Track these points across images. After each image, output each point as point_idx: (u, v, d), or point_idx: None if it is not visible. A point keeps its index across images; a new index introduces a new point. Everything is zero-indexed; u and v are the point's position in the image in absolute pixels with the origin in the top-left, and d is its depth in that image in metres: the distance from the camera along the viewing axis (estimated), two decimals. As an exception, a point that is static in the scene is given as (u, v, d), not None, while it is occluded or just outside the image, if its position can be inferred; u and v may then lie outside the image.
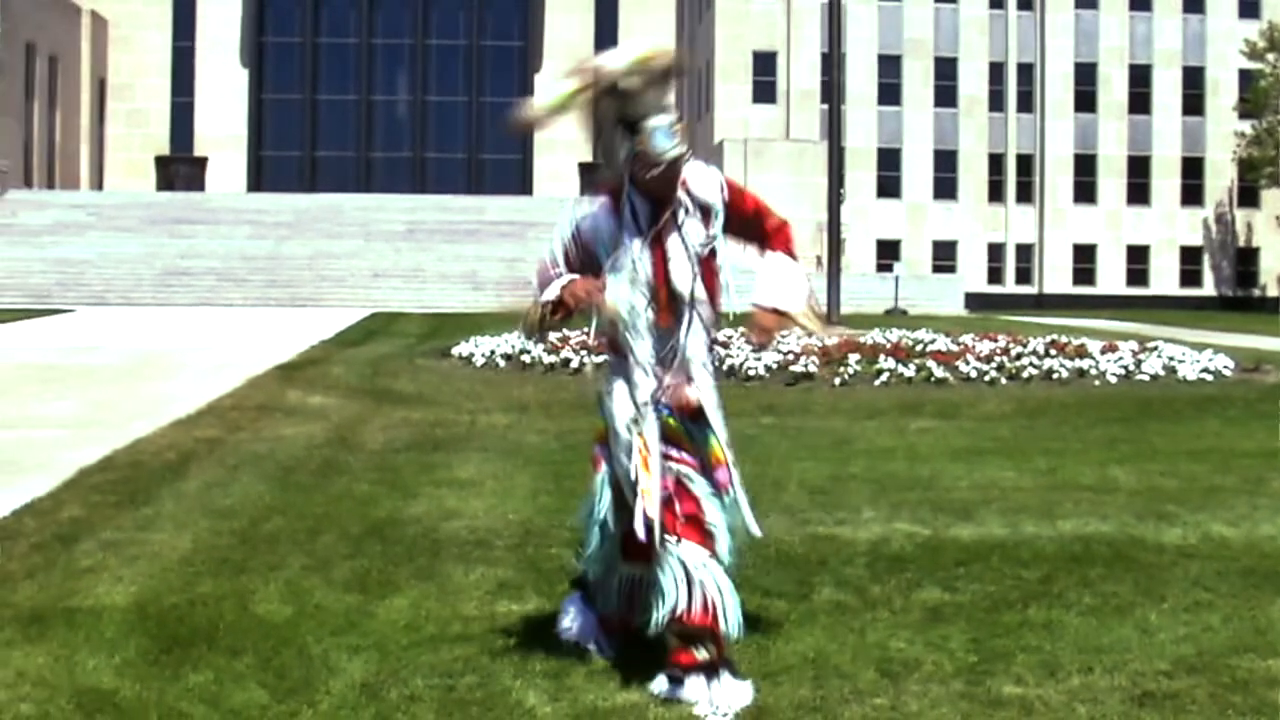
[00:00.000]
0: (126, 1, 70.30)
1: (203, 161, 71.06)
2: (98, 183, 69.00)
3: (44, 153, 63.94)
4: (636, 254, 4.72)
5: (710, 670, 4.49)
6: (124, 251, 49.24)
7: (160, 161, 70.77)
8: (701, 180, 4.84)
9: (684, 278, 4.74)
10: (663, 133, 4.66)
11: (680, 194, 4.77)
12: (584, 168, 70.76)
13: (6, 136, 58.83)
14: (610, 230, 4.79)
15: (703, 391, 4.81)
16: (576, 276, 4.78)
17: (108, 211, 55.89)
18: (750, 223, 4.92)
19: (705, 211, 4.80)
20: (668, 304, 4.74)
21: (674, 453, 4.70)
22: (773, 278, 4.95)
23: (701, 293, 4.78)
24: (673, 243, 4.75)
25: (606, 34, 72.23)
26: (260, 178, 71.46)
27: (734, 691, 4.48)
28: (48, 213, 55.20)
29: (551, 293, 4.77)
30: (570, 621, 5.04)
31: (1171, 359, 17.13)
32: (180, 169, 70.50)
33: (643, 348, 4.74)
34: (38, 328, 28.19)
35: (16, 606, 5.56)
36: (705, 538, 4.61)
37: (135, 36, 70.44)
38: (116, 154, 70.54)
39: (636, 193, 4.76)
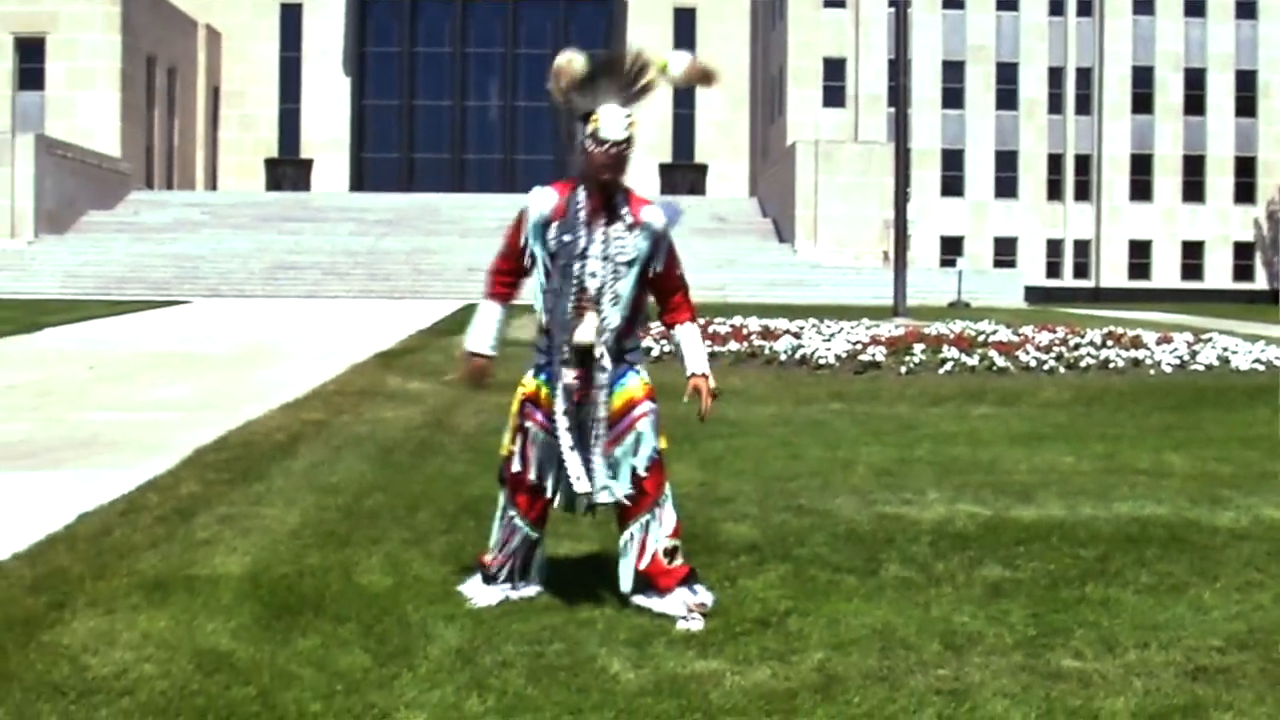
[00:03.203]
0: (239, 16, 71.12)
1: (308, 163, 71.77)
2: (212, 183, 69.95)
3: (163, 156, 64.91)
4: (574, 251, 5.09)
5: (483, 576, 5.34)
6: (236, 247, 49.88)
7: (269, 163, 71.58)
8: (653, 209, 5.18)
9: (595, 280, 5.09)
10: (613, 119, 5.03)
11: (623, 208, 5.13)
12: (664, 168, 70.72)
13: (130, 142, 59.80)
14: (549, 223, 5.14)
15: (594, 386, 5.14)
16: (484, 354, 5.33)
17: (221, 210, 56.65)
18: (667, 275, 5.24)
19: (650, 234, 5.14)
20: (581, 300, 5.10)
21: (539, 416, 5.21)
22: (696, 348, 5.34)
23: (612, 296, 5.11)
24: (594, 248, 5.09)
25: (685, 42, 72.12)
26: (361, 178, 72.08)
27: (483, 592, 5.28)
28: (167, 212, 56.05)
29: (473, 345, 5.34)
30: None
31: (1225, 350, 16.85)
32: (287, 170, 71.25)
33: (561, 332, 5.13)
34: (157, 318, 28.63)
35: (141, 574, 5.65)
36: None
37: (247, 48, 71.26)
38: (229, 157, 71.43)
39: (585, 188, 5.12)
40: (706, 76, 5.30)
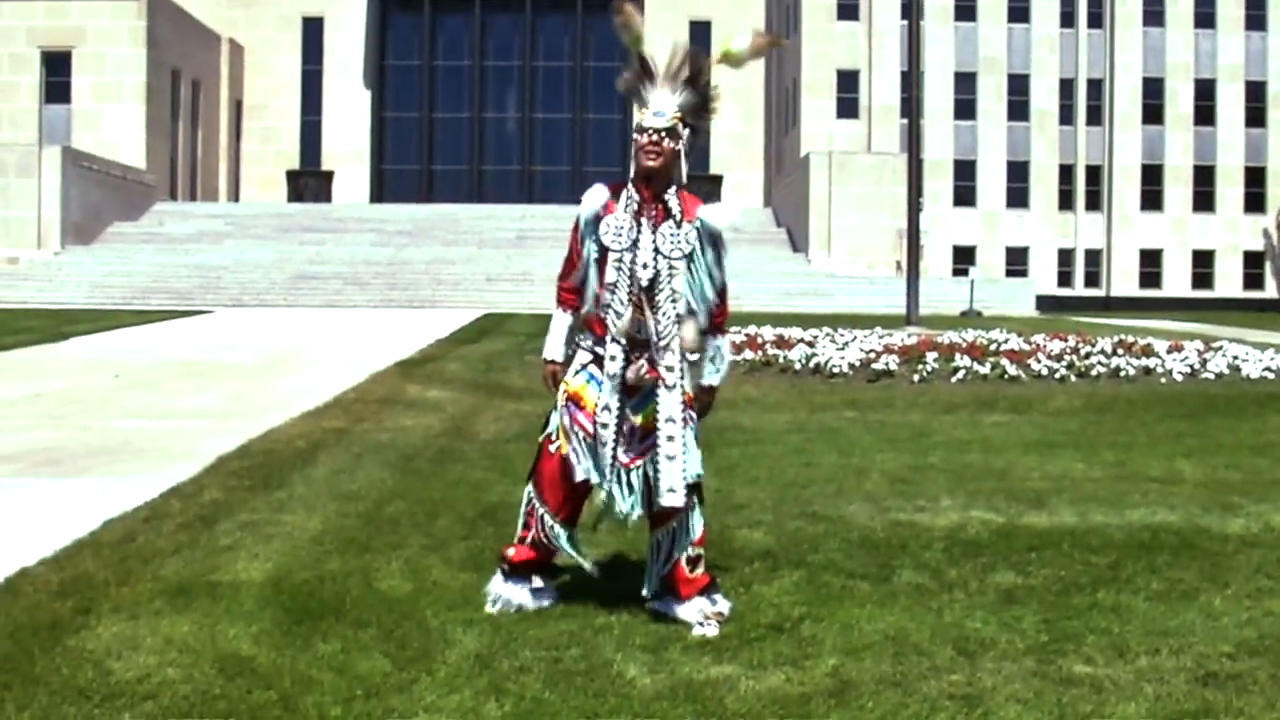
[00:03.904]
0: (261, 30, 71.40)
1: (329, 175, 71.94)
2: (234, 195, 70.16)
3: (187, 168, 65.14)
4: (624, 244, 5.12)
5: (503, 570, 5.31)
6: (258, 257, 50.00)
7: (291, 175, 71.77)
8: (716, 211, 5.20)
9: (647, 271, 5.10)
10: (654, 110, 5.10)
11: (674, 204, 5.15)
12: (679, 179, 70.60)
13: (154, 154, 60.04)
14: (601, 219, 5.16)
15: (663, 386, 5.13)
16: (557, 360, 5.31)
17: (243, 221, 56.79)
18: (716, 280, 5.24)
19: (705, 233, 5.14)
20: (633, 292, 5.11)
21: (580, 418, 5.18)
22: (717, 364, 5.29)
23: (666, 289, 5.10)
24: (644, 240, 5.11)
25: (700, 55, 72.16)
26: (382, 189, 72.24)
27: (507, 590, 5.25)
28: (190, 222, 56.21)
29: (549, 353, 5.35)
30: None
31: (1235, 358, 16.78)
32: (309, 182, 71.40)
33: (617, 324, 5.11)
34: (181, 327, 28.71)
35: (165, 580, 5.67)
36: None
37: (269, 61, 71.51)
38: (251, 168, 71.66)
39: (634, 184, 5.17)
40: (775, 41, 5.47)
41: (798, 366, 15.86)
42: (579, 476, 5.18)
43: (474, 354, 19.97)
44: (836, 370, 15.50)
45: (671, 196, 5.16)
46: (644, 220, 5.12)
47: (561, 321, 5.34)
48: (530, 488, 5.36)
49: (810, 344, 17.88)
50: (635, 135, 5.14)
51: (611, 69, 74.78)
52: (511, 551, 5.36)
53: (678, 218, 5.13)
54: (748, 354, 16.52)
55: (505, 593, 5.28)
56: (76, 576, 5.67)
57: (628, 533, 6.41)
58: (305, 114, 72.05)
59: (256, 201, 66.74)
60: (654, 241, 5.10)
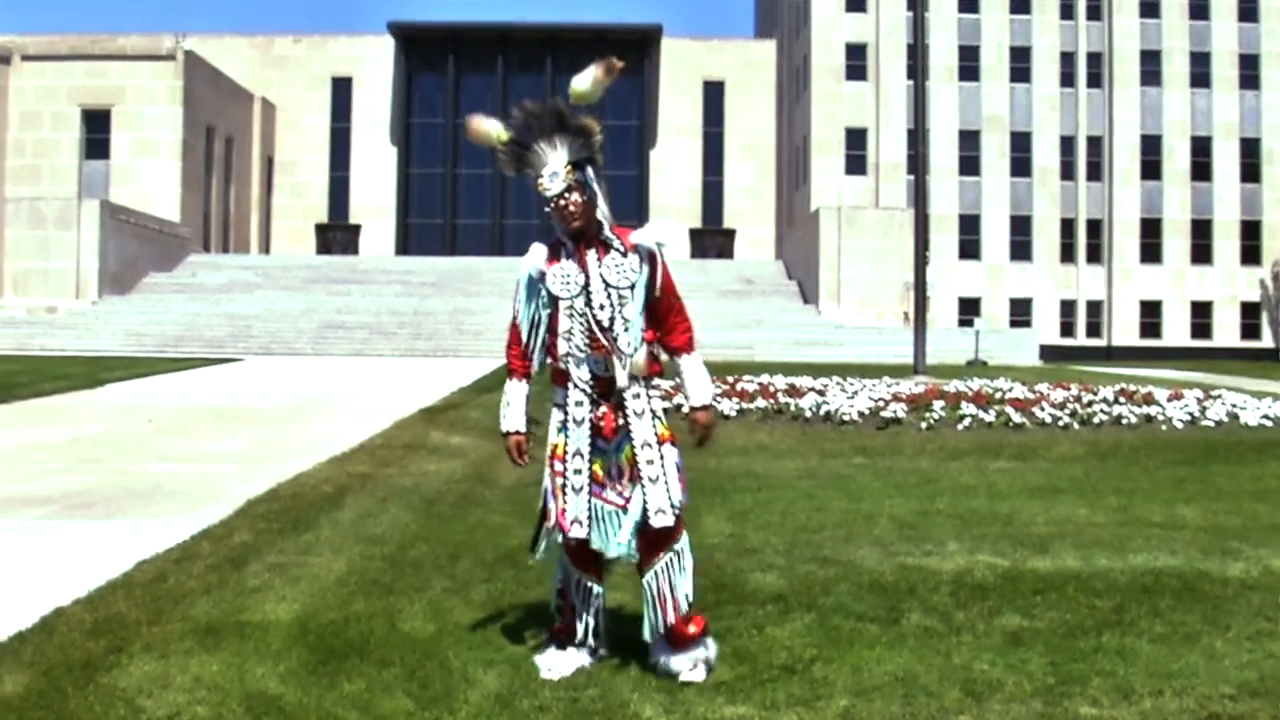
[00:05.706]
0: (292, 89, 72.04)
1: (356, 228, 72.35)
2: (265, 247, 70.57)
3: (220, 221, 65.57)
4: (574, 290, 5.01)
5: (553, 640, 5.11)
6: (287, 307, 50.19)
7: (319, 229, 72.20)
8: (646, 233, 5.10)
9: (605, 311, 4.98)
10: (548, 175, 5.01)
11: (612, 239, 5.06)
12: (694, 233, 70.90)
13: (189, 208, 60.45)
14: (544, 274, 5.07)
15: (631, 413, 5.02)
16: (520, 430, 5.15)
17: (273, 272, 57.06)
18: (665, 299, 5.07)
19: (645, 256, 5.04)
20: (592, 331, 4.98)
21: (556, 465, 5.05)
22: (697, 380, 5.09)
23: (619, 319, 4.98)
24: (595, 282, 5.01)
25: (713, 114, 72.67)
26: (407, 243, 72.58)
27: (560, 660, 4.97)
28: (222, 273, 56.51)
29: (509, 425, 5.18)
30: None
31: (1234, 406, 16.69)
32: (337, 235, 71.85)
33: (581, 371, 5.00)
34: (212, 374, 28.78)
35: (195, 620, 5.66)
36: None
37: (299, 120, 72.12)
38: (281, 222, 72.12)
39: (561, 232, 5.11)
40: (610, 69, 5.31)
41: (809, 414, 15.82)
42: (575, 534, 4.98)
43: (495, 401, 19.82)
44: (846, 418, 15.45)
45: (608, 234, 5.06)
46: (588, 262, 5.01)
47: (516, 391, 5.19)
48: (562, 555, 5.13)
49: (821, 392, 17.84)
50: (547, 208, 5.03)
51: (628, 126, 75.20)
52: (560, 623, 5.15)
53: (622, 249, 5.03)
54: (760, 402, 16.49)
55: (562, 665, 4.98)
56: (109, 616, 5.67)
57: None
58: (334, 170, 72.62)
59: (286, 254, 67.12)
60: (603, 277, 4.98)
